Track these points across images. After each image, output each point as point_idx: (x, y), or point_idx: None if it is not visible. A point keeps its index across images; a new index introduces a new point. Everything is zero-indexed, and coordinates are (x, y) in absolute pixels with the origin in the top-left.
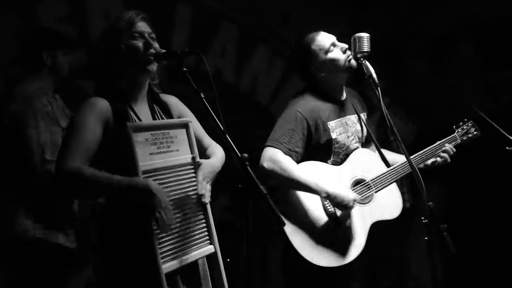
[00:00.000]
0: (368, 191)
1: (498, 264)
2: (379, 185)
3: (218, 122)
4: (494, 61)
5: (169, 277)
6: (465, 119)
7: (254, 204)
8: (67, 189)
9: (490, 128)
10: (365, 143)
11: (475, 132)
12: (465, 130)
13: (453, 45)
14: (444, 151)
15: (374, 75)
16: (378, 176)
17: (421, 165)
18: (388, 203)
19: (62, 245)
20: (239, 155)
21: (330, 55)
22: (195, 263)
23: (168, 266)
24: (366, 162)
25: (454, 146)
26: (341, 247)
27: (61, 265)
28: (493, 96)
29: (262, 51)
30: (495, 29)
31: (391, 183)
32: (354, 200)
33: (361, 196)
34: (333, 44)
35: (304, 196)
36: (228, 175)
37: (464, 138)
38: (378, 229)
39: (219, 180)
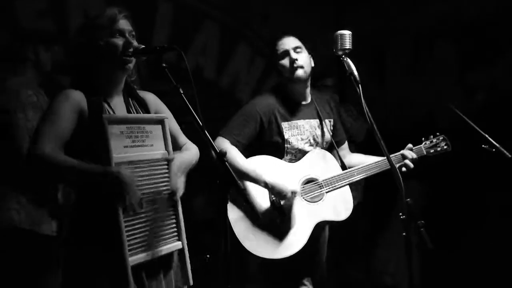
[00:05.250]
0: (318, 191)
1: (475, 263)
2: (330, 186)
3: (197, 118)
4: (471, 61)
5: (135, 270)
6: (437, 133)
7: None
8: (37, 173)
9: (467, 127)
10: (329, 148)
11: (445, 147)
12: (434, 143)
13: (431, 44)
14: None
15: (355, 73)
16: (331, 177)
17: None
18: (338, 205)
19: (50, 235)
20: (217, 150)
21: (281, 62)
22: (164, 258)
23: (134, 259)
24: (322, 163)
25: (420, 157)
26: (282, 241)
27: (50, 255)
28: (470, 96)
29: (243, 49)
30: (472, 29)
31: (344, 185)
32: (293, 192)
33: (308, 194)
34: (286, 53)
35: (253, 186)
36: (205, 173)
37: (431, 151)
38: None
39: (196, 179)
